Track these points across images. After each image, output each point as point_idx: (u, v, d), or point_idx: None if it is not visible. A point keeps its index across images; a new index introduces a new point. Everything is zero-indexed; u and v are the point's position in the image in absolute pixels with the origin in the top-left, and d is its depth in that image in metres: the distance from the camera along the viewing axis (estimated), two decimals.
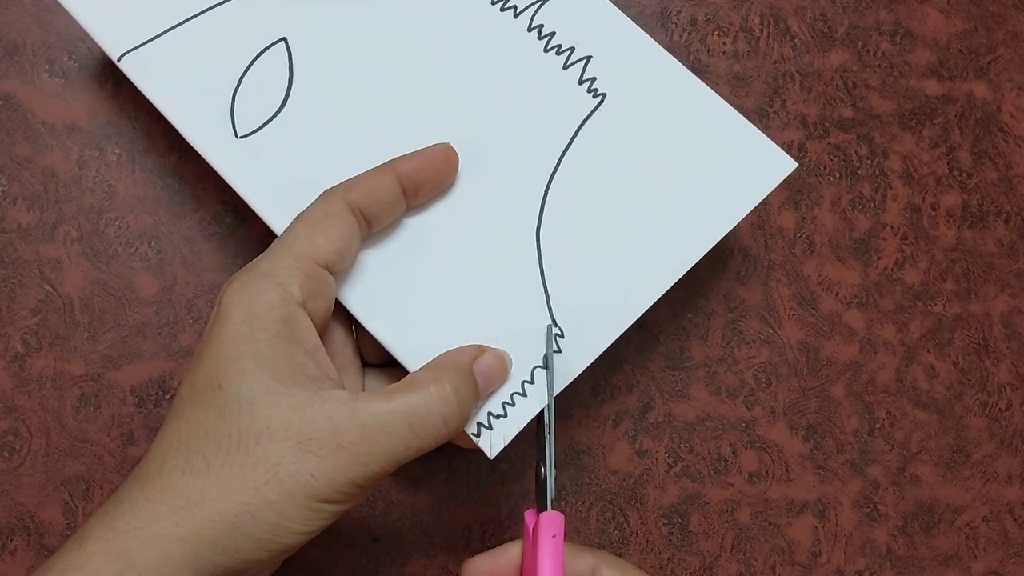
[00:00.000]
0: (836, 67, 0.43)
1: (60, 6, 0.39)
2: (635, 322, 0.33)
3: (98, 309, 0.37)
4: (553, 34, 0.36)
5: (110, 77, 0.39)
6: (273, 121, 0.34)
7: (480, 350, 0.31)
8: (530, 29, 0.36)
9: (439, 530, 0.38)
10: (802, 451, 0.40)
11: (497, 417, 0.31)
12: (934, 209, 0.42)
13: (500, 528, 0.38)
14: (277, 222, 0.33)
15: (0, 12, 0.39)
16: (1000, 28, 0.44)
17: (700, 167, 0.35)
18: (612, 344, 0.33)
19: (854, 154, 0.42)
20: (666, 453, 0.39)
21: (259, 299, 0.28)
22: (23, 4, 0.39)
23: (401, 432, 0.28)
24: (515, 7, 0.36)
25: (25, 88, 0.38)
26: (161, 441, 0.28)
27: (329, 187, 0.31)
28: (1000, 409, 0.42)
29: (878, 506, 0.40)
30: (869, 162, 0.42)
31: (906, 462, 0.41)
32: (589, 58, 0.36)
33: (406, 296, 0.33)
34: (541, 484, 0.31)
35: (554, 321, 0.33)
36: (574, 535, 0.38)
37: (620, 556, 0.36)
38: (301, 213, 0.30)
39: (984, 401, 0.41)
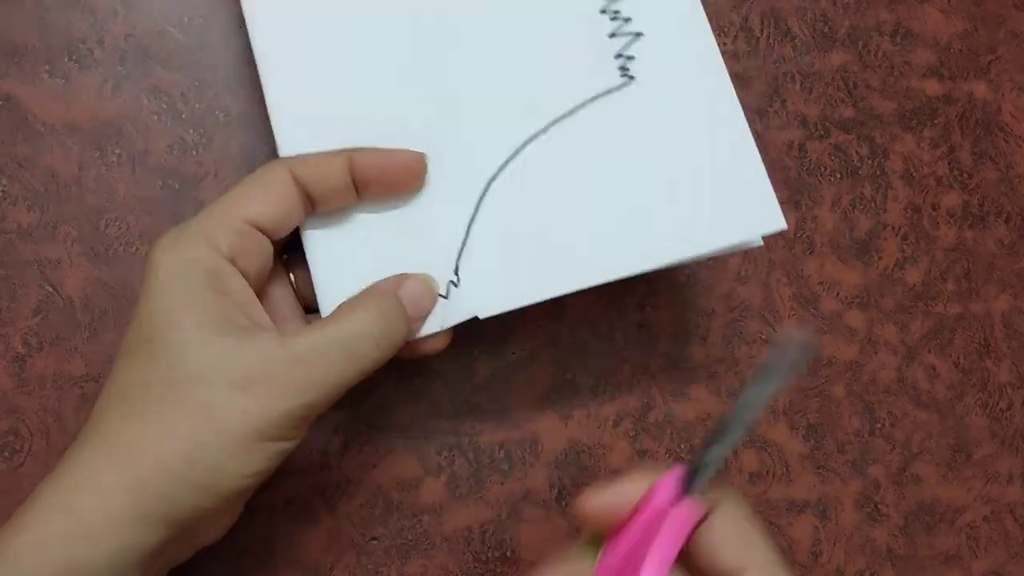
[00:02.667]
0: (837, 67, 0.43)
1: (60, 6, 0.39)
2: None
3: (99, 309, 0.37)
4: None
5: (110, 77, 0.39)
6: None
7: (403, 278, 0.31)
8: None
9: (439, 530, 0.38)
10: (802, 451, 0.40)
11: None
12: (935, 209, 0.42)
13: (500, 528, 0.38)
14: (271, 82, 0.33)
15: (0, 12, 0.39)
16: (1001, 28, 0.44)
17: (688, 185, 0.33)
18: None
19: (855, 154, 0.42)
20: (667, 453, 0.39)
21: (185, 253, 0.28)
22: (23, 4, 0.39)
23: (334, 356, 0.28)
24: None
25: (25, 88, 0.38)
26: (100, 399, 0.28)
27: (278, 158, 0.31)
28: (1001, 409, 0.42)
29: (879, 506, 0.40)
30: (870, 162, 0.42)
31: (907, 462, 0.41)
32: (639, 35, 0.34)
33: (346, 221, 0.32)
34: (701, 464, 0.26)
35: (456, 270, 0.32)
36: (574, 536, 0.38)
37: None
38: (244, 177, 0.30)
39: (985, 401, 0.41)
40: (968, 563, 0.40)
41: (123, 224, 0.38)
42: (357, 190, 0.31)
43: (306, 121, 0.33)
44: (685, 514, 0.25)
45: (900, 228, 0.42)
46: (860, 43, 0.43)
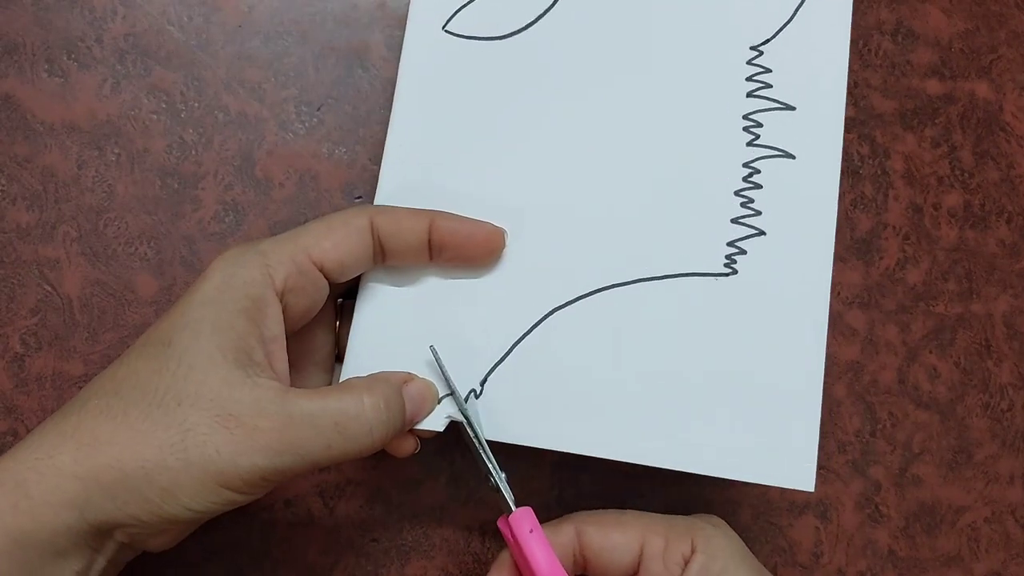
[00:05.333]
0: None
1: (59, 4, 0.39)
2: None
3: (97, 309, 0.37)
4: (758, 187, 0.33)
5: (109, 76, 0.39)
6: (483, 41, 0.33)
7: (411, 376, 0.31)
8: (745, 165, 0.33)
9: (439, 532, 0.38)
10: None
11: None
12: (936, 209, 0.42)
13: (499, 530, 0.38)
14: (398, 124, 0.33)
15: None
16: (1002, 28, 0.44)
17: (739, 404, 0.31)
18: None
19: (856, 154, 0.42)
20: None
21: (240, 271, 0.28)
22: (22, 3, 0.39)
23: (326, 429, 0.28)
24: (758, 136, 0.33)
25: (24, 87, 0.38)
26: (95, 381, 0.28)
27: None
28: (1002, 410, 0.41)
29: (880, 507, 0.40)
30: (871, 162, 0.42)
31: (908, 463, 0.41)
32: (760, 233, 0.32)
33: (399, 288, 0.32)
34: (495, 491, 0.31)
35: (482, 382, 0.32)
36: None
37: None
38: (328, 214, 0.30)
39: (986, 402, 0.41)
40: (969, 564, 0.40)
41: (122, 224, 0.38)
42: (432, 252, 0.31)
43: (412, 180, 0.33)
44: (521, 517, 0.30)
45: (901, 228, 0.42)
46: (861, 42, 0.43)
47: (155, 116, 0.39)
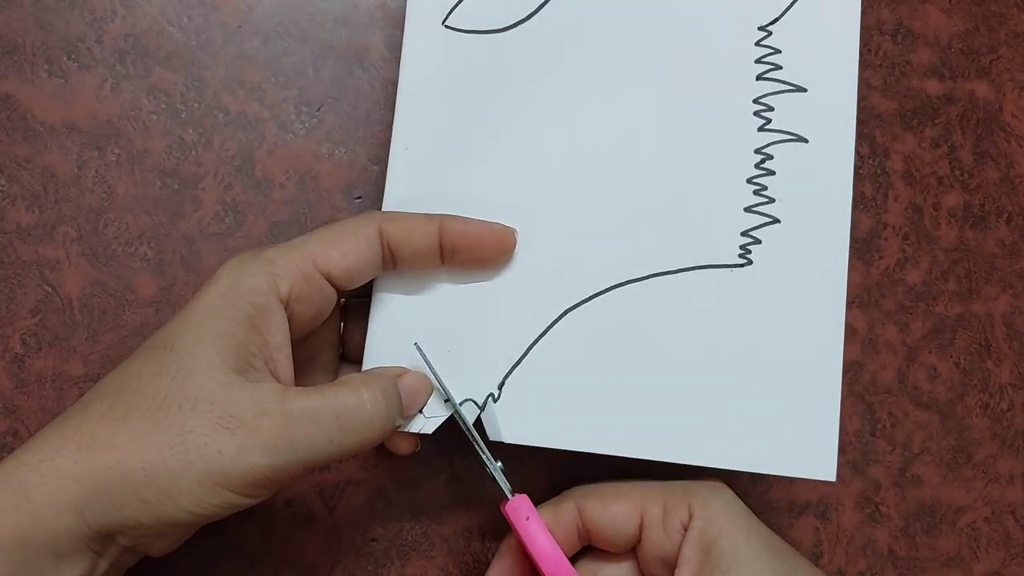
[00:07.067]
0: None
1: (59, 5, 0.39)
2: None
3: (97, 310, 0.37)
4: (771, 173, 0.32)
5: (109, 77, 0.39)
6: (484, 35, 0.33)
7: (404, 370, 0.32)
8: (757, 151, 0.32)
9: (439, 531, 0.38)
10: None
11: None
12: (936, 209, 0.42)
13: (500, 530, 0.38)
14: (402, 118, 0.32)
15: None
16: (1002, 28, 0.44)
17: (758, 395, 0.31)
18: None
19: (855, 154, 0.42)
20: None
21: (246, 279, 0.28)
22: (22, 3, 0.39)
23: (327, 423, 0.28)
24: (769, 120, 0.32)
25: (24, 88, 0.38)
26: (99, 385, 0.29)
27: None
28: (1002, 410, 0.41)
29: (880, 507, 0.40)
30: (871, 162, 0.42)
31: (908, 463, 0.41)
32: (775, 222, 0.32)
33: (417, 289, 0.32)
34: (492, 480, 0.31)
35: (500, 385, 0.32)
36: None
37: None
38: (336, 222, 0.31)
39: (986, 402, 0.41)
40: (969, 564, 0.40)
41: (122, 224, 0.38)
42: (444, 256, 0.31)
43: (419, 183, 0.32)
44: (517, 504, 0.31)
45: (901, 228, 0.42)
46: (861, 42, 0.43)
47: (155, 116, 0.39)
